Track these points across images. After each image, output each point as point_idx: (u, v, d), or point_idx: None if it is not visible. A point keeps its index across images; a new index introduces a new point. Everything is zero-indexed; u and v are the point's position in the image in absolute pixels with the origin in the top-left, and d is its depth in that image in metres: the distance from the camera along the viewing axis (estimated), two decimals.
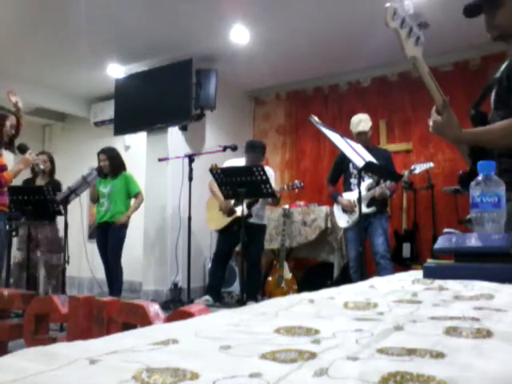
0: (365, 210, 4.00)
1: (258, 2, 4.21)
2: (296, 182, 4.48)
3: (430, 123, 1.57)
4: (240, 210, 3.86)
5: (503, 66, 1.66)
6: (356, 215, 4.05)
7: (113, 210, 4.78)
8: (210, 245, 5.49)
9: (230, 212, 4.45)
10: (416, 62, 1.35)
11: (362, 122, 4.20)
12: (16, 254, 4.79)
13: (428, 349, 0.45)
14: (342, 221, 4.28)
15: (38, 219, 4.40)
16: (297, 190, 4.78)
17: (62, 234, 4.93)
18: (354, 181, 4.19)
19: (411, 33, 1.31)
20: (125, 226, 4.82)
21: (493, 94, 1.67)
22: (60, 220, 4.44)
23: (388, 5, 1.27)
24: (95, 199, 4.94)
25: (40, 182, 4.88)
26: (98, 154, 4.93)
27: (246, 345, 0.48)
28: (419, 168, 4.21)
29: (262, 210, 4.48)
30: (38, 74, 5.80)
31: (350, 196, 4.22)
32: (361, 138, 4.11)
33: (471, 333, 0.53)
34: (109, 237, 4.79)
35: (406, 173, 4.20)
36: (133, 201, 4.92)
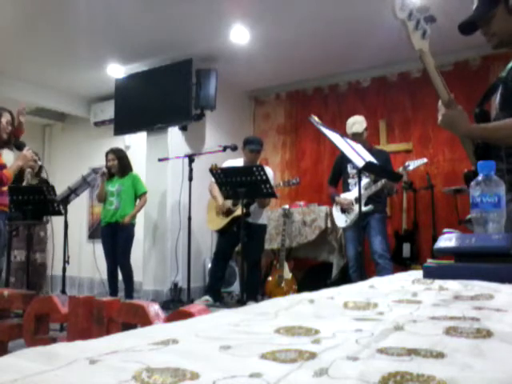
0: (363, 208, 4.03)
1: (258, 2, 4.21)
2: (292, 179, 4.52)
3: (439, 116, 1.56)
4: (238, 210, 3.87)
5: (509, 66, 1.65)
6: (354, 214, 4.10)
7: (122, 209, 4.82)
8: (210, 245, 5.50)
9: (227, 212, 4.46)
10: (423, 54, 1.35)
11: (356, 123, 4.23)
12: (17, 254, 4.80)
13: (428, 349, 0.45)
14: (341, 221, 4.33)
15: (38, 218, 4.41)
16: (293, 187, 4.81)
17: (48, 233, 4.96)
18: (351, 181, 4.26)
19: (418, 25, 1.31)
20: (132, 224, 4.87)
21: (498, 94, 1.66)
22: (60, 220, 4.44)
23: None
24: (102, 198, 4.95)
25: (31, 182, 4.86)
26: (107, 154, 4.96)
27: (245, 345, 0.48)
28: (413, 164, 4.25)
29: (259, 209, 4.47)
30: (38, 74, 5.80)
31: (347, 196, 4.26)
32: (355, 139, 4.15)
33: (471, 333, 0.53)
34: (118, 236, 4.81)
35: (400, 170, 4.24)
36: (137, 201, 4.96)
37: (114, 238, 4.83)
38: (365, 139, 4.24)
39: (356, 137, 4.18)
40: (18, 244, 4.83)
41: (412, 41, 1.32)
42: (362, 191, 4.12)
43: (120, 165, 4.90)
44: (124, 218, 4.79)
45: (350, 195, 4.20)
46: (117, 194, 4.85)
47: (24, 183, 4.82)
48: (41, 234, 4.92)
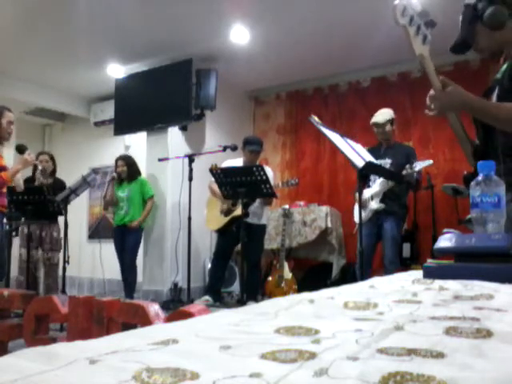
0: (375, 205, 4.04)
1: (258, 2, 4.21)
2: (291, 179, 4.52)
3: (433, 100, 1.49)
4: (238, 209, 3.86)
5: (504, 67, 1.65)
6: (367, 211, 4.10)
7: (131, 213, 5.01)
8: (209, 245, 5.49)
9: (227, 212, 4.46)
10: (423, 59, 1.36)
11: (380, 114, 4.20)
12: (22, 252, 4.80)
13: (428, 349, 0.45)
14: (357, 216, 4.30)
15: (39, 219, 4.42)
16: (292, 187, 4.80)
17: (61, 233, 4.98)
18: (372, 177, 4.20)
19: (419, 31, 1.32)
20: (141, 229, 5.09)
21: (494, 96, 1.66)
22: (60, 220, 4.44)
23: (397, 2, 1.27)
24: (106, 207, 5.21)
25: (43, 181, 4.87)
26: (117, 161, 5.14)
27: (245, 345, 0.48)
28: (419, 165, 4.23)
29: (259, 209, 4.46)
30: (38, 74, 5.80)
31: (366, 192, 4.22)
32: (377, 129, 4.16)
33: (471, 333, 0.53)
34: (126, 239, 5.00)
35: (407, 170, 4.21)
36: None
37: (123, 239, 5.01)
38: (388, 132, 4.16)
39: (377, 127, 4.16)
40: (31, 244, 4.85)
41: (413, 46, 1.33)
42: (378, 188, 4.13)
43: (129, 170, 5.08)
44: (132, 221, 4.96)
45: (368, 192, 4.18)
46: (126, 200, 5.04)
47: (36, 183, 4.84)
48: (54, 235, 4.96)
